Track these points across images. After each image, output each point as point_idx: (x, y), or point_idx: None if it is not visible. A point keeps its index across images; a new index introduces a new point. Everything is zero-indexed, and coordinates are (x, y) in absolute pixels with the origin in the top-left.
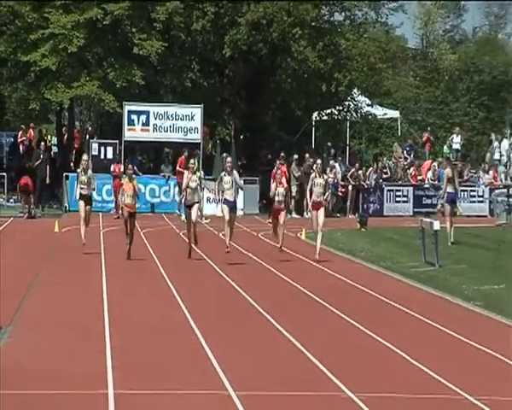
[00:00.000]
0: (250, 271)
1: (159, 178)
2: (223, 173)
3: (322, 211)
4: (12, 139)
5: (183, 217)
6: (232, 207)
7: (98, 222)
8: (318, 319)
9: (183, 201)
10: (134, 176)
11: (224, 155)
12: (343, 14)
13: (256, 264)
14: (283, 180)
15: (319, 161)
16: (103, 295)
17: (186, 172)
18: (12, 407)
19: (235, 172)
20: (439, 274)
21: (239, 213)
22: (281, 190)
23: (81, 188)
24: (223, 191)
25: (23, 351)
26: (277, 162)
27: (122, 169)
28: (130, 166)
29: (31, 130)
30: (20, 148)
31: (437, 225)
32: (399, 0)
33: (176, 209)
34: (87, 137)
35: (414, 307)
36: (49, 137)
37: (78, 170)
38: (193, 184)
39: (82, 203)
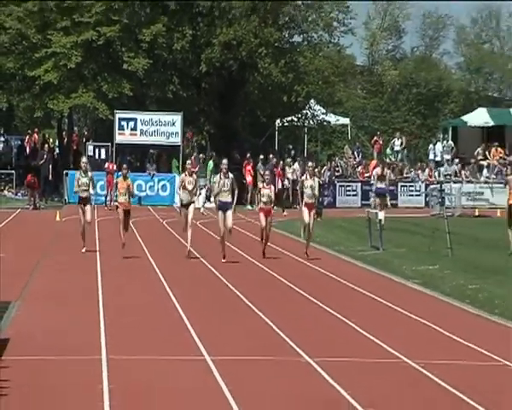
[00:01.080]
0: (230, 258)
1: (145, 175)
2: (218, 176)
3: (312, 213)
4: (19, 142)
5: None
6: (227, 208)
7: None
8: (285, 299)
9: (178, 201)
10: (128, 175)
11: (224, 160)
12: (301, 36)
13: (233, 252)
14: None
15: (310, 163)
16: (97, 275)
17: (182, 174)
18: (22, 371)
19: (231, 175)
20: (383, 257)
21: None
22: (267, 191)
23: (82, 190)
24: (217, 194)
25: (30, 322)
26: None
27: (114, 167)
28: (124, 165)
29: (35, 134)
30: (27, 149)
31: (381, 215)
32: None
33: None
34: (84, 140)
35: (363, 285)
36: (51, 140)
37: (78, 173)
38: (189, 186)
39: (81, 206)
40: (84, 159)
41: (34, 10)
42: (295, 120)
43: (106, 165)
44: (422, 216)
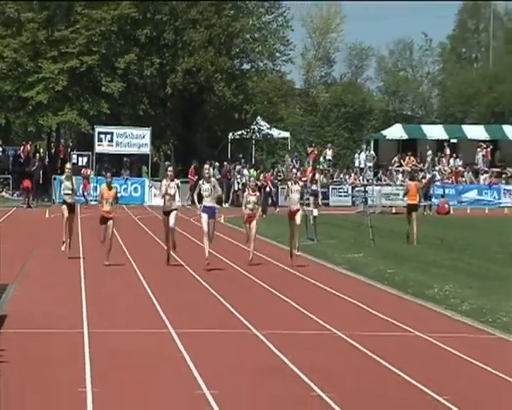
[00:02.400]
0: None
1: (120, 179)
2: (201, 181)
3: (298, 215)
4: (15, 152)
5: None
6: (211, 213)
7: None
8: (239, 284)
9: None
10: (113, 185)
11: (206, 165)
12: (250, 64)
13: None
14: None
15: (295, 170)
16: (81, 262)
17: (164, 180)
18: (17, 342)
19: (213, 179)
20: (317, 247)
21: (177, 204)
22: (252, 198)
23: (66, 194)
24: (200, 200)
25: (24, 301)
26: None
27: (88, 172)
28: (108, 174)
29: (28, 145)
30: (22, 158)
31: (315, 212)
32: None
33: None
34: (69, 150)
35: (301, 271)
36: (41, 150)
37: (63, 177)
38: (171, 191)
39: (65, 209)
40: (68, 164)
41: (27, 42)
42: (245, 133)
43: (82, 171)
44: (349, 213)
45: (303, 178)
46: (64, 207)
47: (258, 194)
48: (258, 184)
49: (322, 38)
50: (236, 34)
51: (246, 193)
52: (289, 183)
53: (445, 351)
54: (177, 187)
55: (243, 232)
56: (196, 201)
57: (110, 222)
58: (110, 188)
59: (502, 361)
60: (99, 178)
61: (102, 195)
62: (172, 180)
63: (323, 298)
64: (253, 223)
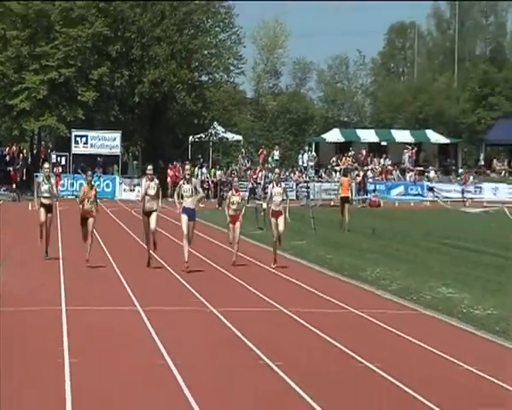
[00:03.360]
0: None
1: (94, 176)
2: (182, 181)
3: (281, 219)
4: (1, 152)
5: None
6: (191, 214)
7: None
8: (200, 269)
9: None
10: (94, 183)
11: (187, 166)
12: (207, 76)
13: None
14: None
15: (277, 170)
16: (59, 247)
17: (143, 179)
18: (6, 319)
19: (194, 179)
20: (266, 235)
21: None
22: (236, 198)
23: (44, 197)
24: (181, 201)
25: (10, 282)
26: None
27: (60, 170)
28: (89, 172)
29: (13, 147)
30: (7, 158)
31: (264, 205)
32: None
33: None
34: (49, 150)
35: (252, 255)
36: (25, 151)
37: (40, 179)
38: (151, 191)
39: (43, 211)
40: (46, 164)
41: (12, 56)
42: (203, 136)
43: (55, 169)
44: (294, 206)
45: (253, 176)
46: (42, 210)
47: (241, 194)
48: (214, 180)
49: (269, 53)
50: (195, 50)
51: (229, 193)
52: (271, 184)
53: (375, 325)
54: (158, 187)
55: (224, 232)
56: (177, 201)
57: (91, 219)
58: (91, 187)
59: (423, 334)
60: (75, 175)
61: (85, 194)
62: (152, 180)
63: (272, 279)
64: (237, 224)
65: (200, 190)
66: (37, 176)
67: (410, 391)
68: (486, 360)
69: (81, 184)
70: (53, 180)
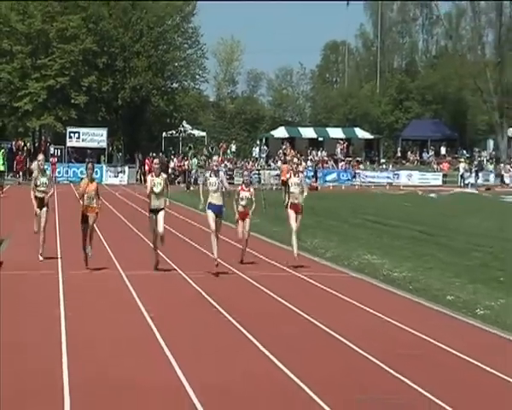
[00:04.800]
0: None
1: (84, 165)
2: (208, 174)
3: (300, 215)
4: (9, 145)
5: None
6: (218, 212)
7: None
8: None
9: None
10: (94, 176)
11: (214, 157)
12: (178, 83)
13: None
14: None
15: (296, 160)
16: (56, 220)
17: (149, 176)
18: (9, 280)
19: (221, 173)
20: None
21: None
22: (246, 194)
23: (38, 191)
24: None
25: (16, 252)
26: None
27: (56, 160)
28: (89, 165)
29: (19, 141)
30: (13, 150)
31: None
32: None
33: None
34: (48, 144)
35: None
36: (28, 144)
37: (35, 173)
38: (157, 188)
39: (36, 205)
40: (40, 156)
41: (18, 67)
42: (174, 133)
43: (50, 159)
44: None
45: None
46: (35, 203)
47: (252, 190)
48: (183, 168)
49: (227, 65)
50: (168, 62)
51: (238, 188)
52: (288, 175)
53: (313, 285)
54: (165, 183)
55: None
56: (202, 194)
57: (91, 217)
58: (92, 180)
59: (353, 293)
60: (69, 164)
61: (84, 189)
62: (158, 175)
63: (228, 250)
64: (247, 220)
65: (226, 184)
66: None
67: (341, 338)
68: (402, 312)
69: (75, 173)
70: (48, 172)
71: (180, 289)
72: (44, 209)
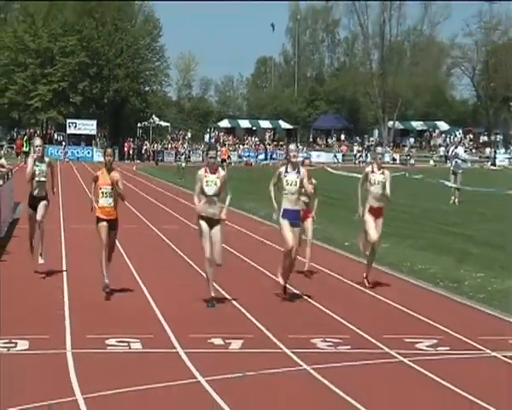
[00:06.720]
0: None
1: (80, 147)
2: (283, 168)
3: (380, 221)
4: (24, 133)
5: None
6: (295, 221)
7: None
8: (161, 216)
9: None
10: (113, 166)
11: (291, 146)
12: (149, 87)
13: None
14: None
15: (380, 149)
16: (60, 213)
17: (200, 170)
18: (22, 231)
19: (303, 169)
20: (185, 184)
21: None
22: (309, 186)
23: (38, 181)
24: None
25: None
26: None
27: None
28: (109, 150)
29: (31, 130)
30: (27, 136)
31: (184, 164)
32: None
33: None
34: (53, 132)
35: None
36: (38, 131)
37: (31, 159)
38: (210, 190)
39: (32, 211)
40: (37, 141)
41: (29, 75)
42: (146, 124)
43: (60, 150)
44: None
45: (179, 149)
46: (30, 211)
47: (314, 182)
48: (153, 149)
49: (185, 73)
50: (141, 72)
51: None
52: (368, 168)
53: (268, 245)
54: (223, 181)
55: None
56: (273, 196)
57: (111, 225)
58: (110, 170)
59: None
60: (69, 145)
61: (97, 182)
62: (215, 172)
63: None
64: (308, 221)
65: (307, 183)
66: (44, 148)
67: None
68: (344, 268)
69: (73, 153)
70: (47, 159)
71: (149, 240)
72: (42, 203)
